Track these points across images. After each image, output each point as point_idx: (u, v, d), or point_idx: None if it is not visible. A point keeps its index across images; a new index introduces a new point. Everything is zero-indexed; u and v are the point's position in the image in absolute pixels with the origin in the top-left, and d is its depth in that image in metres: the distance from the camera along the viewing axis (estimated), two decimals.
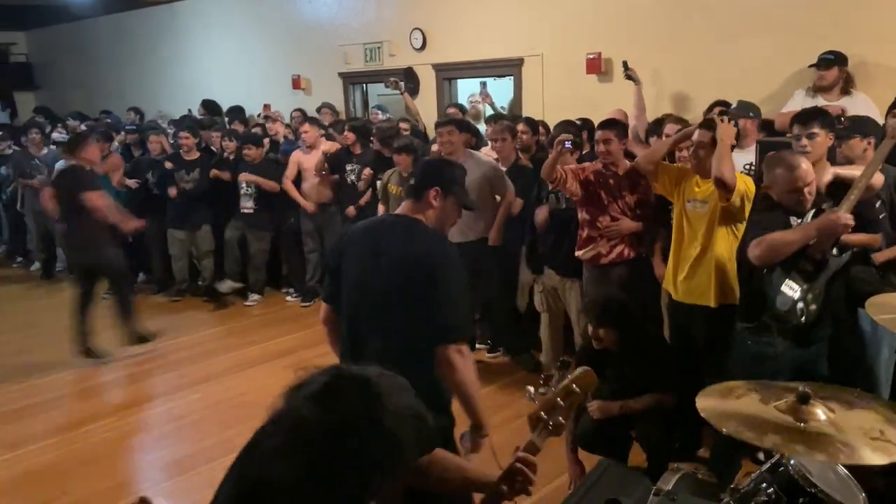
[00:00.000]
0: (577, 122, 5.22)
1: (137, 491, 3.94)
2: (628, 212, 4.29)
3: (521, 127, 5.38)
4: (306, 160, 6.68)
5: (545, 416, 1.68)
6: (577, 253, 4.43)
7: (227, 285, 7.19)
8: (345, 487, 1.22)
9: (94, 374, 5.56)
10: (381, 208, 5.85)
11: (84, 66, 12.41)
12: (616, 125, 4.37)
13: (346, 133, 6.58)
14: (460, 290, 2.46)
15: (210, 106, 9.41)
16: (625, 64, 5.54)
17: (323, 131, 6.88)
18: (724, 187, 3.46)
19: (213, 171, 6.90)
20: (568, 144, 4.22)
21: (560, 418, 1.69)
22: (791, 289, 2.99)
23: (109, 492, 3.94)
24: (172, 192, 6.95)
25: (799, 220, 3.03)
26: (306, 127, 6.65)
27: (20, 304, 7.59)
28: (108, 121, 9.47)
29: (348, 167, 6.48)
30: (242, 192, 6.85)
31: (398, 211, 2.64)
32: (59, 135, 8.48)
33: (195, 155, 7.04)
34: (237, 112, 8.84)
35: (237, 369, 5.53)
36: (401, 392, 1.31)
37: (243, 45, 9.57)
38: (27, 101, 13.05)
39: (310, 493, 1.21)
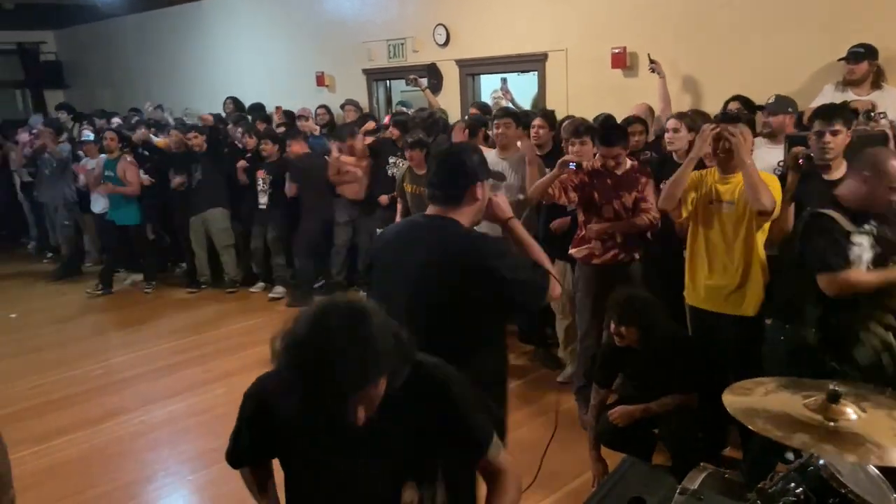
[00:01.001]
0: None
1: (163, 484, 3.99)
2: (624, 213, 4.15)
3: (537, 121, 5.27)
4: (348, 160, 6.63)
5: None
6: (571, 251, 4.31)
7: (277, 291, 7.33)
8: (328, 388, 1.48)
9: (121, 369, 5.63)
10: (399, 207, 5.85)
11: (112, 65, 12.55)
12: (623, 138, 4.21)
13: (391, 129, 6.59)
14: (525, 266, 2.35)
15: (237, 103, 9.49)
16: (649, 57, 5.49)
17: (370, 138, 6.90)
18: (768, 214, 3.32)
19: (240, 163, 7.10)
20: (573, 165, 4.02)
21: None
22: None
23: (136, 485, 3.99)
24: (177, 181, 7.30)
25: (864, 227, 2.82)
26: (357, 139, 6.67)
27: (49, 300, 7.70)
28: (137, 118, 9.58)
29: (391, 160, 6.44)
30: (259, 188, 7.03)
31: (429, 211, 2.44)
32: (87, 133, 8.57)
33: (203, 149, 7.24)
34: (258, 110, 8.90)
35: (262, 364, 5.44)
36: (381, 315, 1.56)
37: (268, 42, 9.62)
38: (57, 100, 13.20)
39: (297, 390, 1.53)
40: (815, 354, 2.93)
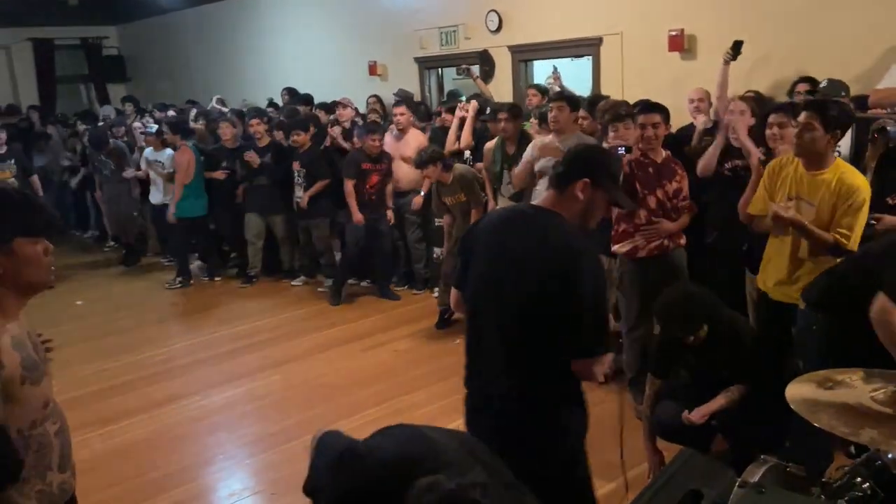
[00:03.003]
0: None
1: (222, 467, 4.08)
2: (667, 202, 4.06)
3: (582, 112, 5.17)
4: (398, 147, 6.58)
5: None
6: (614, 248, 4.20)
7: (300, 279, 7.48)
8: None
9: (182, 355, 5.78)
10: (446, 219, 5.86)
11: (171, 58, 12.85)
12: (663, 109, 4.13)
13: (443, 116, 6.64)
14: (601, 298, 2.26)
15: (292, 93, 9.58)
16: (739, 45, 4.91)
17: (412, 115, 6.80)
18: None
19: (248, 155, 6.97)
20: (622, 150, 3.93)
21: None
22: None
23: (195, 467, 4.09)
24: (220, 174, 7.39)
25: None
26: (402, 109, 6.51)
27: (112, 288, 7.94)
28: (195, 110, 9.75)
29: None
30: (295, 181, 6.88)
31: (538, 202, 2.39)
32: (151, 126, 8.77)
33: (266, 141, 7.17)
34: (307, 102, 8.93)
35: (317, 351, 5.64)
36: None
37: (321, 32, 9.70)
38: (119, 93, 13.58)
39: None
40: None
